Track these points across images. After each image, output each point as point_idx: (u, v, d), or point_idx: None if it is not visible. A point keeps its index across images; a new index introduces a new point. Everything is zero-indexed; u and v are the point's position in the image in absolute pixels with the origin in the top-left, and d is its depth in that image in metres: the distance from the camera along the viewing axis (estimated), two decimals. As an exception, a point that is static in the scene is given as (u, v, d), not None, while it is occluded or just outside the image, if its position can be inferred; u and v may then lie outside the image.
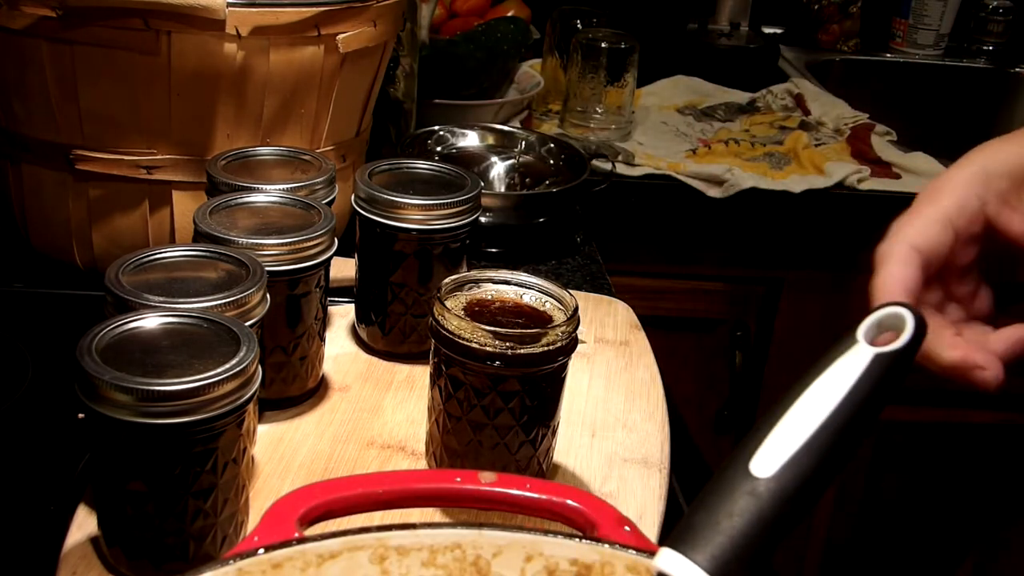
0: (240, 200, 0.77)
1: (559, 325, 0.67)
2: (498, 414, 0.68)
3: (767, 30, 1.93)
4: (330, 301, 0.80)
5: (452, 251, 0.83)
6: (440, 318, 0.67)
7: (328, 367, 0.83)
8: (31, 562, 0.64)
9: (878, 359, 0.43)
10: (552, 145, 1.20)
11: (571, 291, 0.71)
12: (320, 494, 0.47)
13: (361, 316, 0.87)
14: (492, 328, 0.66)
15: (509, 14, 1.58)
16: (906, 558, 1.62)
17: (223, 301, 0.64)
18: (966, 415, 1.51)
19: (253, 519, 0.63)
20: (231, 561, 0.41)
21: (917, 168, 1.45)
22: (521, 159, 1.19)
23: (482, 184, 0.85)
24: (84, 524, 0.63)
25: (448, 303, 0.68)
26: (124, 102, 0.86)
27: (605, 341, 0.89)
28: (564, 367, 0.69)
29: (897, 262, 0.57)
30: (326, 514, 0.47)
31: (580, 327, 0.69)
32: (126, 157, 0.88)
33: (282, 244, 0.72)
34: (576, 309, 0.68)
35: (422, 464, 0.73)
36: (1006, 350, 0.57)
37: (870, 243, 0.57)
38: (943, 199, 0.59)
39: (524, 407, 0.68)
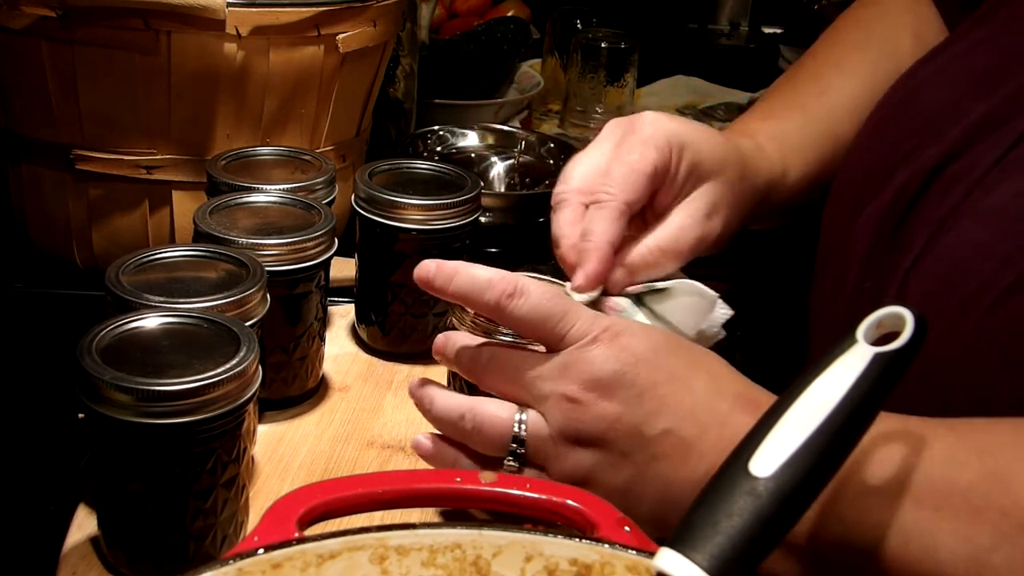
0: (240, 200, 0.77)
1: None
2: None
3: (767, 30, 1.93)
4: (330, 301, 0.80)
5: (452, 251, 0.83)
6: (459, 325, 0.67)
7: (328, 367, 0.83)
8: (31, 562, 0.64)
9: (878, 359, 0.43)
10: (552, 145, 1.20)
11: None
12: (320, 494, 0.47)
13: (361, 316, 0.87)
14: (508, 336, 0.65)
15: (509, 14, 1.58)
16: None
17: (223, 301, 0.64)
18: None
19: (253, 519, 0.63)
20: (231, 561, 0.41)
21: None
22: (521, 159, 1.19)
23: (482, 184, 0.85)
24: (84, 524, 0.63)
25: (468, 308, 0.68)
26: (124, 102, 0.86)
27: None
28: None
29: (612, 219, 0.63)
30: (326, 514, 0.47)
31: None
32: (126, 157, 0.88)
33: (282, 244, 0.72)
34: None
35: (422, 464, 0.73)
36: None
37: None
38: (651, 154, 0.64)
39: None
